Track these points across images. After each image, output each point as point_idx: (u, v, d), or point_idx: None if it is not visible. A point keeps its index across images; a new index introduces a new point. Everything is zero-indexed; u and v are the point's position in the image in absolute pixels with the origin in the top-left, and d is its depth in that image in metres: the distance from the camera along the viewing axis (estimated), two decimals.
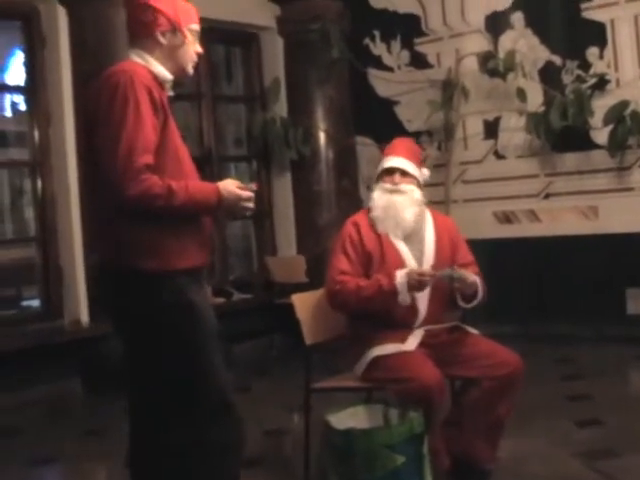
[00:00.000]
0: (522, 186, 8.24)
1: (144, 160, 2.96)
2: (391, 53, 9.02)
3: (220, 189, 3.14)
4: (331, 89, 9.08)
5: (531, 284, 7.80)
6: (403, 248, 4.31)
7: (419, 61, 8.83)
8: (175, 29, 3.26)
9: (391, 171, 4.35)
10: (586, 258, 7.79)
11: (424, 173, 4.49)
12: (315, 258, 8.56)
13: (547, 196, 8.14)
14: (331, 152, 9.10)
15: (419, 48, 8.84)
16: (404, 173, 4.34)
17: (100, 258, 3.21)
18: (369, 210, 4.41)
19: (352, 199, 9.02)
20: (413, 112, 8.81)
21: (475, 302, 4.27)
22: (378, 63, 9.09)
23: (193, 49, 3.33)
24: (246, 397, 6.62)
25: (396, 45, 8.98)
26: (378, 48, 9.10)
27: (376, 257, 4.27)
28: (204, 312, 3.16)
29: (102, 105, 3.04)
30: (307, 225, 9.02)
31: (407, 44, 8.90)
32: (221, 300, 8.19)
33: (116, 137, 2.97)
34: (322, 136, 9.05)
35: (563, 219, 8.05)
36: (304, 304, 4.52)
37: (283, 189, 9.10)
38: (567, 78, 7.93)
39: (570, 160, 7.97)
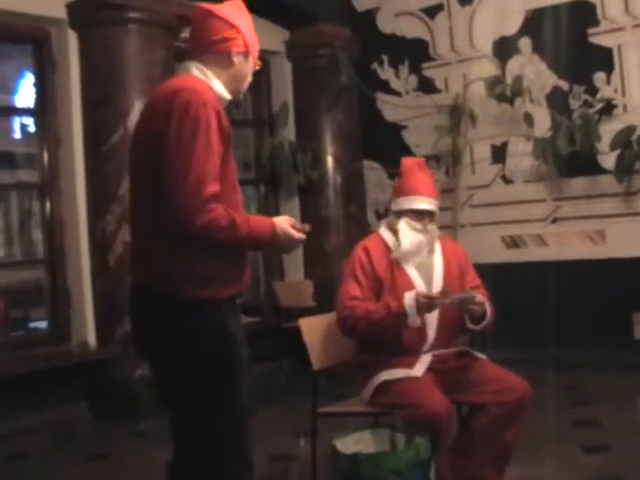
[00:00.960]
0: (530, 210, 8.24)
1: (212, 189, 2.88)
2: (399, 78, 9.05)
3: (276, 227, 3.08)
4: (339, 114, 9.10)
5: (538, 309, 7.76)
6: (413, 273, 4.30)
7: (427, 86, 8.85)
8: (248, 53, 3.24)
9: (420, 212, 4.35)
10: (593, 283, 7.77)
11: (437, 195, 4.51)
12: (323, 283, 8.55)
13: (554, 220, 8.13)
14: (339, 177, 9.10)
15: (427, 73, 8.86)
16: (431, 214, 4.37)
17: (139, 282, 3.13)
18: (379, 237, 4.40)
19: (360, 224, 9.02)
20: (421, 137, 8.82)
21: (484, 323, 4.25)
22: (386, 88, 9.11)
23: (250, 77, 3.31)
24: (253, 421, 6.59)
25: (404, 70, 9.00)
26: (386, 73, 9.13)
27: (387, 282, 4.25)
28: (239, 339, 3.10)
29: (172, 126, 2.91)
30: (315, 250, 8.98)
31: (415, 69, 8.93)
32: None
33: (186, 164, 2.86)
34: (330, 161, 9.05)
35: (570, 244, 8.04)
36: (312, 328, 4.50)
37: (291, 214, 8.97)
38: (574, 103, 7.94)
39: (577, 185, 7.96)
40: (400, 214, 4.38)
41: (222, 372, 3.04)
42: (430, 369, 4.15)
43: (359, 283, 4.24)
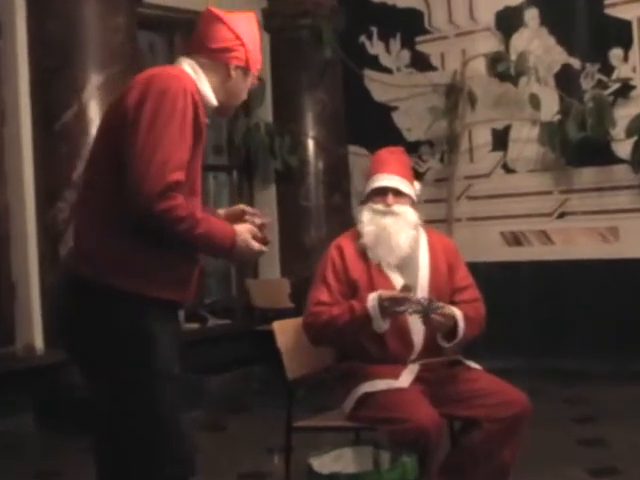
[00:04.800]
0: (534, 204, 8.25)
1: (176, 176, 2.98)
2: (390, 53, 9.04)
3: (237, 237, 3.14)
4: (322, 93, 9.09)
5: (541, 314, 7.78)
6: (394, 276, 4.28)
7: (421, 62, 8.85)
8: (248, 69, 3.34)
9: (383, 191, 4.32)
10: (604, 285, 7.77)
11: (416, 188, 4.45)
12: (301, 282, 8.51)
13: (561, 215, 8.14)
14: (321, 163, 9.10)
15: (421, 48, 8.86)
16: (398, 192, 4.31)
17: (71, 267, 3.21)
18: (357, 234, 4.37)
19: (343, 216, 8.99)
20: (413, 120, 8.82)
21: (455, 341, 4.21)
22: (375, 64, 9.10)
23: (245, 94, 3.41)
24: (221, 436, 6.60)
25: (395, 44, 9.00)
26: (375, 47, 9.12)
27: (363, 286, 4.22)
28: (161, 346, 3.12)
29: (146, 108, 3.02)
30: (293, 245, 9.00)
31: (408, 43, 8.92)
32: (194, 326, 8.15)
33: (155, 147, 2.97)
34: (311, 145, 9.06)
35: (579, 241, 8.05)
36: (287, 333, 4.47)
37: (267, 204, 9.06)
38: (586, 83, 7.94)
39: (588, 175, 7.97)
40: (365, 203, 4.38)
41: (135, 377, 3.11)
42: (418, 379, 4.13)
43: (329, 287, 4.23)
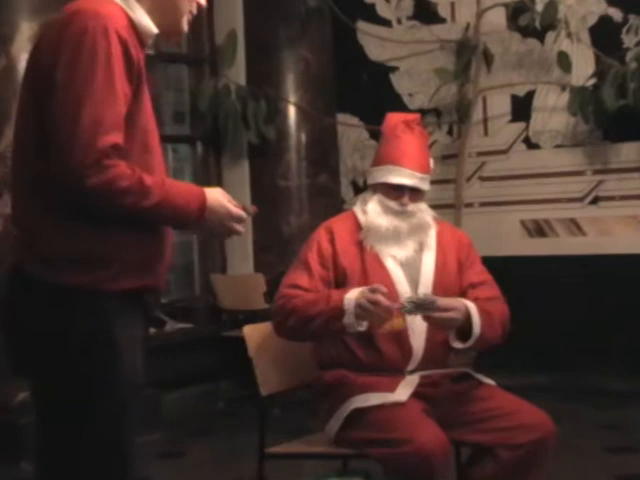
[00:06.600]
0: (561, 186, 8.26)
1: (112, 139, 2.90)
2: (389, 1, 9.03)
3: (208, 198, 3.10)
4: (306, 49, 9.09)
5: (571, 319, 7.80)
6: (394, 268, 4.27)
7: (426, 13, 8.85)
8: None
9: (399, 187, 4.33)
10: None
11: (431, 168, 4.46)
12: (278, 278, 8.48)
13: (595, 200, 8.16)
14: (304, 135, 9.11)
15: None
16: (415, 189, 4.34)
17: (13, 263, 3.16)
18: (353, 218, 4.38)
19: (330, 199, 9.01)
20: (416, 83, 8.84)
21: (471, 341, 4.19)
22: (371, 15, 9.10)
23: (185, 6, 3.31)
24: (180, 464, 6.59)
25: None
26: None
27: (354, 277, 4.22)
28: (125, 354, 3.10)
29: (62, 58, 2.95)
30: (269, 234, 8.99)
31: None
32: (150, 330, 8.15)
33: (78, 105, 2.90)
34: (292, 113, 9.07)
35: (615, 232, 8.06)
36: (260, 339, 4.48)
37: (237, 183, 9.07)
38: (629, 40, 7.95)
39: (628, 152, 7.99)
40: (374, 190, 4.38)
41: (91, 388, 3.08)
42: (417, 395, 4.11)
43: (309, 271, 4.23)
